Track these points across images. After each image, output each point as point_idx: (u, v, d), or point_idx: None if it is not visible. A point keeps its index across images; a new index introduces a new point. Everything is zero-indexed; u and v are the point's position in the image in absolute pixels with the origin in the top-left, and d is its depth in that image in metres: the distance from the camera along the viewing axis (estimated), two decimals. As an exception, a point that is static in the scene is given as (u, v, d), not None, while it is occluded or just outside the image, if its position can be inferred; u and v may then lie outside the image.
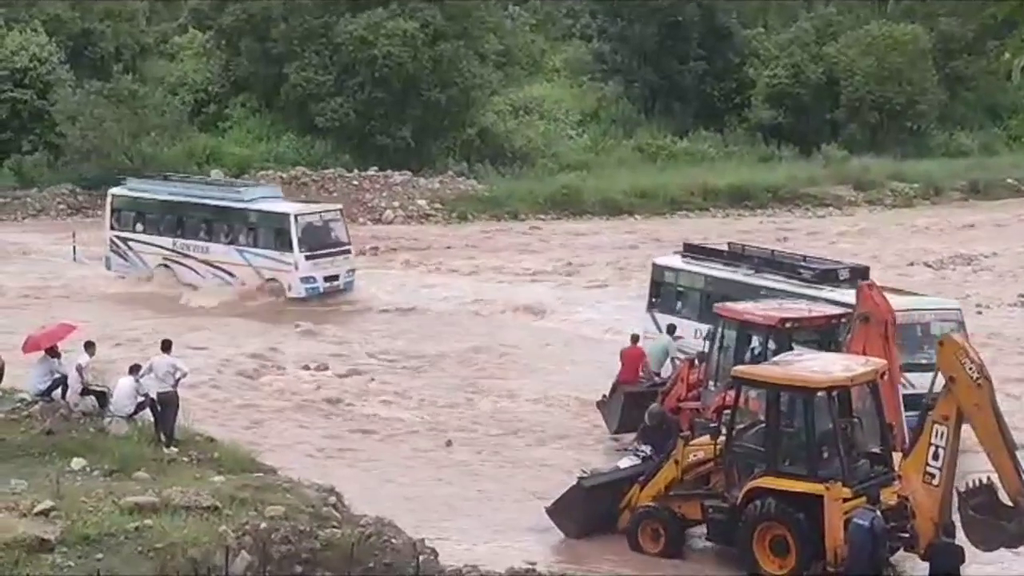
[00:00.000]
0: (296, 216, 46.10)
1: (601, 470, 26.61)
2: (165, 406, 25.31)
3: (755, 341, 28.61)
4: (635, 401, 30.02)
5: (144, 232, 48.38)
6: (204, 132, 73.25)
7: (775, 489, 22.88)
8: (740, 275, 33.19)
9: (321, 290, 45.83)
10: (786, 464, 23.18)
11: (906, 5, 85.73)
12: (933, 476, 22.37)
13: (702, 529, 24.52)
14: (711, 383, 28.84)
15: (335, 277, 46.26)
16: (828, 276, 32.19)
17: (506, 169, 71.82)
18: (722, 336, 29.12)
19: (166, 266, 47.57)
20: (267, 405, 34.56)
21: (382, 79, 70.77)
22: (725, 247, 36.29)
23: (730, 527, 23.53)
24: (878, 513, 21.92)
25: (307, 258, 45.35)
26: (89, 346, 26.35)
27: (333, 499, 22.44)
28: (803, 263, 33.36)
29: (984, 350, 26.88)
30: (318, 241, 46.31)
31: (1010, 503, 22.34)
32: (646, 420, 27.72)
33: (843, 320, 28.14)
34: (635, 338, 32.55)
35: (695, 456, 24.28)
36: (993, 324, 42.15)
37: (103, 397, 25.87)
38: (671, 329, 33.39)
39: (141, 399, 25.58)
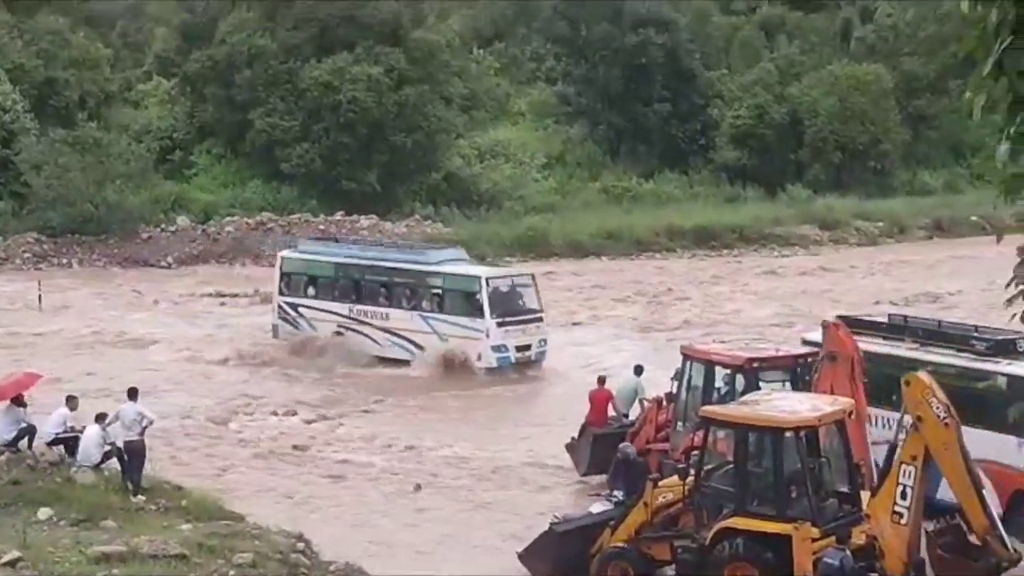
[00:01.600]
0: (487, 279, 42.41)
1: (573, 515, 26.53)
2: (132, 455, 25.20)
3: (722, 381, 28.61)
4: (604, 443, 29.98)
5: (316, 297, 45.11)
6: (169, 179, 73.16)
7: (744, 529, 22.85)
8: (904, 350, 28.90)
9: (513, 360, 41.77)
10: (755, 504, 23.16)
11: (868, 45, 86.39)
12: (901, 515, 22.36)
13: (672, 570, 24.46)
14: (679, 424, 28.83)
15: (527, 347, 41.86)
16: (1005, 348, 28.00)
17: (472, 212, 71.99)
18: (689, 376, 29.12)
19: (340, 333, 44.15)
20: (235, 452, 34.40)
21: (347, 124, 70.93)
22: (884, 319, 31.45)
23: (699, 568, 23.45)
24: (847, 553, 21.92)
25: (499, 325, 41.37)
26: (71, 400, 26.22)
27: (302, 545, 22.35)
28: (975, 334, 29.08)
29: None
30: (510, 307, 42.28)
31: (978, 542, 22.38)
32: (618, 456, 27.73)
33: (810, 359, 28.18)
34: (602, 380, 32.52)
35: (664, 497, 24.23)
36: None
37: (75, 441, 25.73)
38: (638, 370, 33.38)
39: (108, 448, 25.48)
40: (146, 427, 25.67)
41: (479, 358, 40.80)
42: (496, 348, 41.06)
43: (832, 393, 25.67)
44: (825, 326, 27.92)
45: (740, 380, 28.02)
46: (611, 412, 31.60)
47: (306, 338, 44.63)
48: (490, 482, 32.06)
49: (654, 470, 26.85)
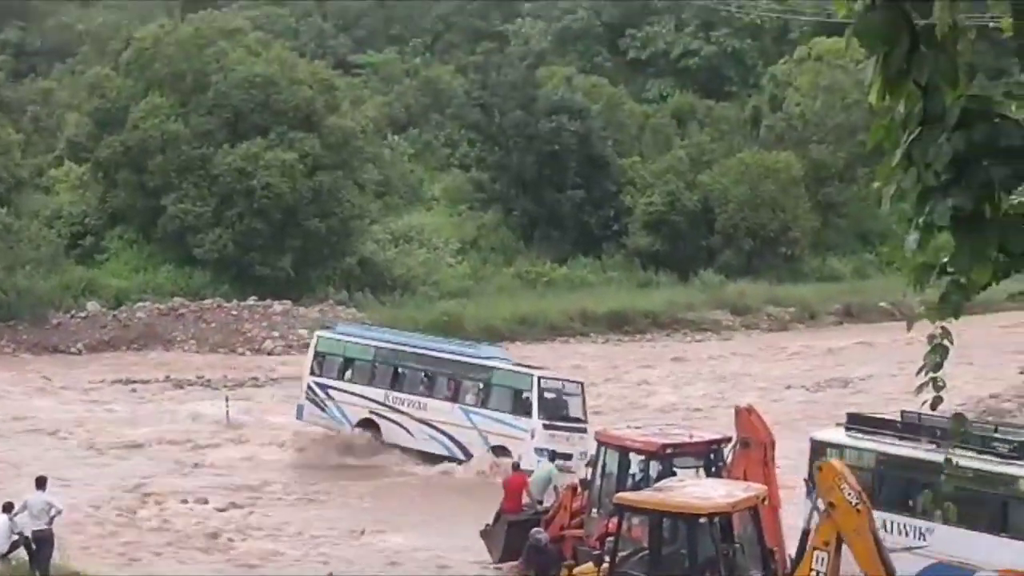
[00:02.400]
0: (539, 379, 40.58)
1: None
2: (40, 544, 24.83)
3: (637, 467, 28.65)
4: (518, 529, 29.89)
5: (350, 381, 43.41)
6: (80, 264, 72.46)
7: (660, 615, 22.85)
8: (921, 451, 27.22)
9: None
10: (670, 591, 23.17)
11: (777, 133, 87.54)
12: (815, 600, 22.44)
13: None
14: (594, 510, 28.81)
15: (568, 456, 38.23)
16: None
17: (387, 297, 71.90)
18: (604, 463, 29.15)
19: (371, 421, 42.45)
20: (145, 540, 33.97)
21: (261, 209, 70.77)
22: (897, 416, 29.80)
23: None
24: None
25: (545, 427, 39.28)
26: (7, 508, 25.82)
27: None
28: (996, 434, 27.70)
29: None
30: (557, 412, 40.20)
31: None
32: (529, 543, 27.67)
33: (723, 445, 28.31)
34: (516, 466, 32.49)
35: (579, 584, 24.20)
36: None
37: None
38: (552, 456, 33.36)
39: (15, 537, 25.08)
40: (54, 516, 25.33)
41: (519, 459, 36.86)
42: (539, 451, 37.45)
43: (746, 479, 25.80)
44: (738, 412, 28.08)
45: (654, 466, 28.08)
46: (525, 499, 31.54)
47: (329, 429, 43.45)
48: (405, 570, 31.84)
49: (569, 557, 26.81)
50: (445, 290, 74.45)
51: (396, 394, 42.38)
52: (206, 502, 37.24)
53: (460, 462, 40.46)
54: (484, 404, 40.94)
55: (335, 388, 43.52)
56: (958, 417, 8.97)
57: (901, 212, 9.17)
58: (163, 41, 76.52)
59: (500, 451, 39.64)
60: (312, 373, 44.32)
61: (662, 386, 55.65)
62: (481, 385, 41.54)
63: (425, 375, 42.52)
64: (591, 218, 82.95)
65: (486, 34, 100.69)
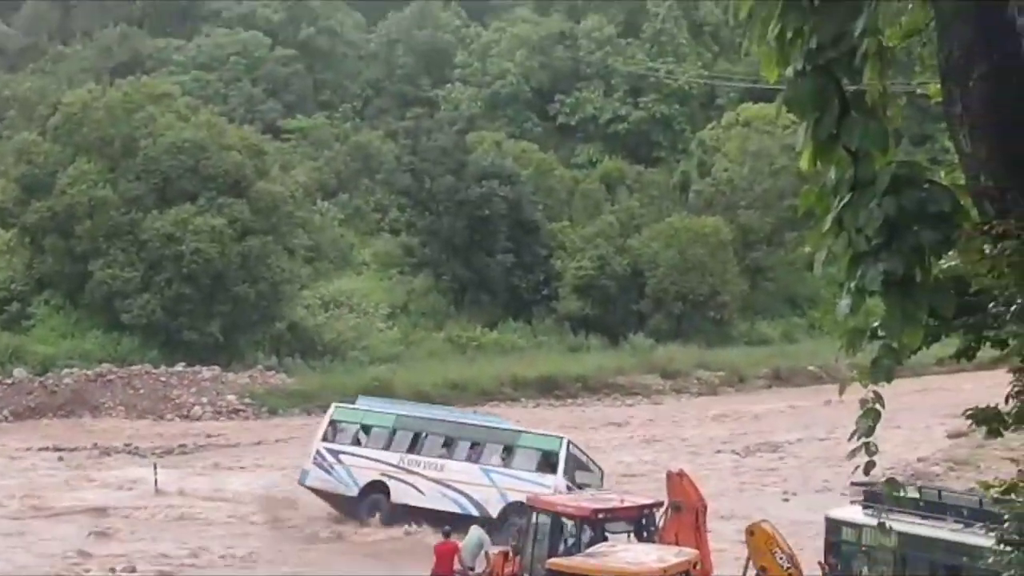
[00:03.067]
0: (568, 442, 41.34)
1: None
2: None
3: (569, 532, 28.56)
4: (450, 596, 29.70)
5: (365, 446, 42.95)
6: (7, 330, 71.72)
7: None
8: (946, 531, 25.31)
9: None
10: (603, 656, 23.08)
11: (706, 198, 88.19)
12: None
13: None
14: (526, 575, 28.69)
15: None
16: None
17: (317, 363, 71.65)
18: (535, 528, 29.04)
19: (380, 482, 41.82)
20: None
21: (190, 275, 70.45)
22: (916, 493, 27.16)
23: None
24: None
25: (567, 488, 38.98)
26: None
27: None
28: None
29: (791, 538, 27.19)
30: (577, 477, 40.56)
31: None
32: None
33: (655, 510, 28.29)
34: (447, 533, 32.32)
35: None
36: (800, 511, 42.65)
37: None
38: (481, 524, 33.21)
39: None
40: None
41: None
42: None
43: (677, 543, 25.78)
44: (669, 476, 28.10)
45: (586, 531, 28.02)
46: (456, 565, 31.37)
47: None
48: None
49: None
50: (375, 355, 74.26)
51: (412, 456, 42.02)
52: (134, 570, 36.77)
53: (473, 518, 39.97)
54: (507, 464, 40.90)
55: (347, 453, 42.97)
56: (891, 482, 9.00)
57: (832, 277, 9.23)
58: (91, 106, 76.23)
59: (520, 506, 39.15)
60: (324, 439, 43.74)
61: (593, 451, 55.52)
62: (505, 447, 41.63)
63: (446, 440, 42.31)
64: (521, 282, 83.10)
65: (416, 99, 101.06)
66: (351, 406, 45.44)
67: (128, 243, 72.03)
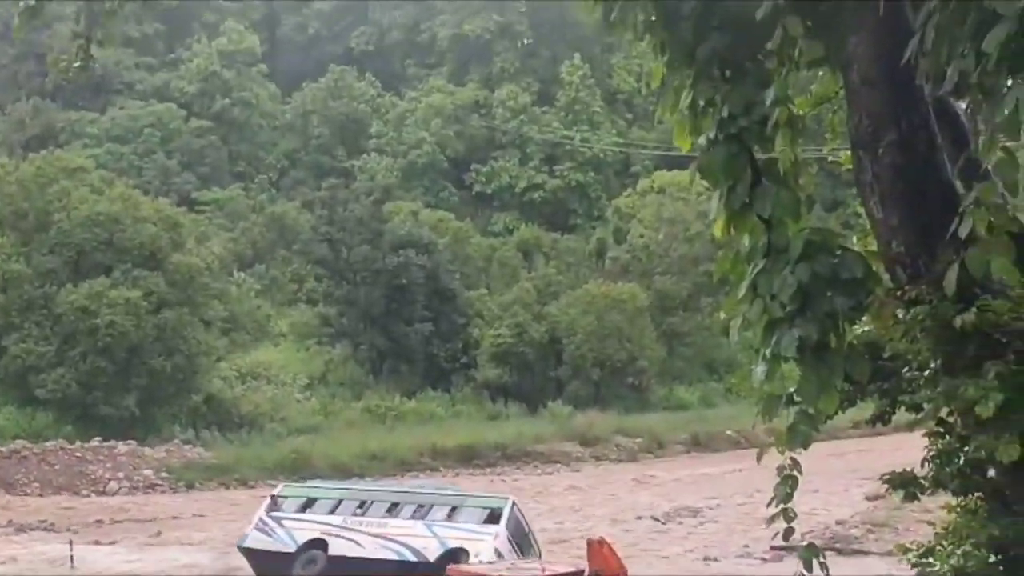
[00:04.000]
0: (514, 502, 40.79)
1: None
2: None
3: (490, 603, 28.42)
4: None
5: (309, 512, 42.20)
6: (-83, 406, 70.82)
7: None
8: None
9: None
10: None
11: (622, 264, 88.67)
12: None
13: None
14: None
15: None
16: None
17: (234, 435, 71.03)
18: (457, 600, 28.88)
19: (320, 540, 40.69)
20: None
21: (105, 348, 69.76)
22: None
23: None
24: None
25: (508, 540, 38.56)
26: None
27: None
28: None
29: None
30: (519, 538, 39.74)
31: None
32: None
33: (576, 578, 28.22)
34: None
35: None
36: (721, 574, 42.71)
37: None
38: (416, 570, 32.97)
39: None
40: None
41: (477, 555, 37.14)
42: (496, 552, 37.36)
43: (599, 611, 25.70)
44: (590, 544, 28.07)
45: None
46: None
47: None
48: None
49: None
50: (294, 427, 73.74)
51: (356, 518, 41.00)
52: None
53: (411, 564, 39.63)
54: (451, 519, 40.09)
55: (290, 519, 42.88)
56: (810, 547, 9.02)
57: (748, 342, 9.28)
58: (4, 180, 75.60)
59: (459, 552, 38.86)
60: (268, 511, 43.52)
61: (514, 519, 55.38)
62: (452, 507, 41.02)
63: (391, 505, 41.36)
64: (439, 351, 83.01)
65: (332, 169, 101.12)
66: (298, 484, 45.58)
67: (42, 317, 71.27)
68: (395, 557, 39.30)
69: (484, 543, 38.30)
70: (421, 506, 41.31)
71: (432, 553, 38.92)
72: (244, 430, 72.00)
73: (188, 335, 72.37)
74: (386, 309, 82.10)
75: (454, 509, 40.96)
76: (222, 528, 54.07)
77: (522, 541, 39.78)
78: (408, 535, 40.03)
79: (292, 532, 41.72)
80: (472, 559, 36.08)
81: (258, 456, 67.35)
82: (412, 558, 38.96)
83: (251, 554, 42.25)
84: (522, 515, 41.36)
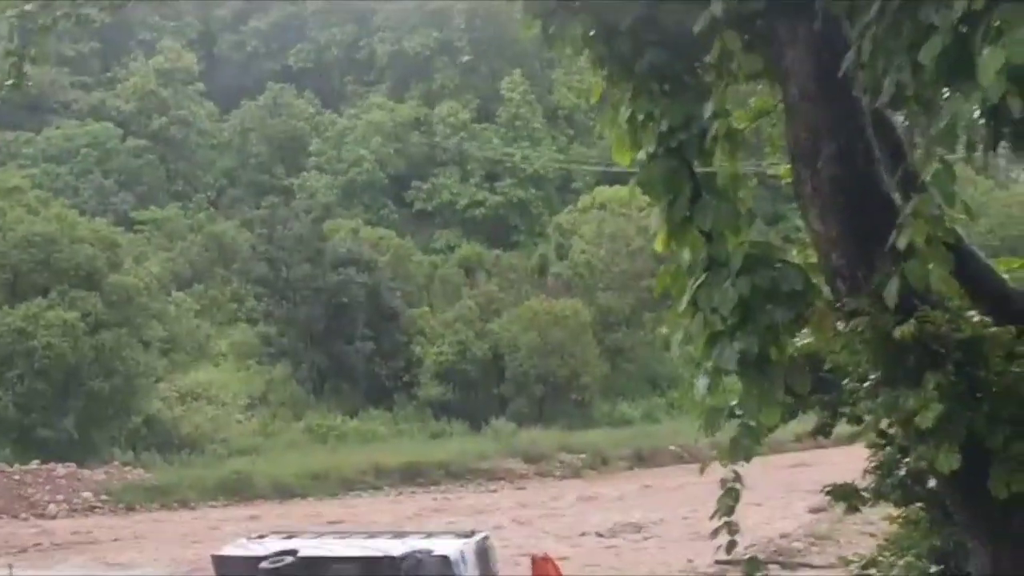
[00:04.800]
0: (488, 535, 42.66)
1: None
2: None
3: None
4: None
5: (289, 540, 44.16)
6: None
7: None
8: None
9: None
10: None
11: (565, 281, 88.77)
12: None
13: None
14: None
15: None
16: None
17: (174, 456, 70.56)
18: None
19: (293, 549, 42.59)
20: None
21: (42, 370, 69.17)
22: None
23: None
24: None
25: (475, 554, 40.57)
26: None
27: None
28: None
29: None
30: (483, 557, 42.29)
31: None
32: None
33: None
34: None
35: None
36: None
37: None
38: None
39: None
40: None
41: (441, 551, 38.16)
42: (461, 555, 38.81)
43: (544, 628, 25.64)
44: (534, 561, 28.02)
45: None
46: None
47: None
48: None
49: None
50: (234, 447, 73.35)
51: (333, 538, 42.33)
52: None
53: (375, 560, 39.90)
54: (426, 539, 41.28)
55: (268, 540, 43.28)
56: (752, 561, 9.02)
57: (690, 356, 9.28)
58: (-61, 200, 75.04)
59: (423, 553, 39.11)
60: (248, 536, 43.92)
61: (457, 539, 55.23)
62: (428, 534, 42.00)
63: (372, 533, 42.56)
64: (382, 369, 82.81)
65: (271, 188, 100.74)
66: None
67: (-22, 339, 70.67)
68: (360, 554, 39.82)
69: (452, 545, 38.91)
70: (401, 533, 41.88)
71: (397, 551, 39.39)
72: (185, 451, 71.56)
73: (127, 356, 71.87)
74: (327, 328, 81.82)
75: (430, 535, 41.47)
76: (164, 550, 53.72)
77: (483, 565, 39.98)
78: (379, 544, 40.74)
79: (266, 544, 42.24)
80: (436, 552, 36.68)
81: (199, 477, 66.94)
82: (377, 554, 39.42)
83: (220, 561, 42.38)
84: (492, 551, 41.72)
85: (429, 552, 38.13)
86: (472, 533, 42.09)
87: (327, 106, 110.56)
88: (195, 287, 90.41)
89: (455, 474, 71.46)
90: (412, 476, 70.47)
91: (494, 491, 68.97)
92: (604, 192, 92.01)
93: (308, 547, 42.05)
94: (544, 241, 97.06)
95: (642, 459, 76.07)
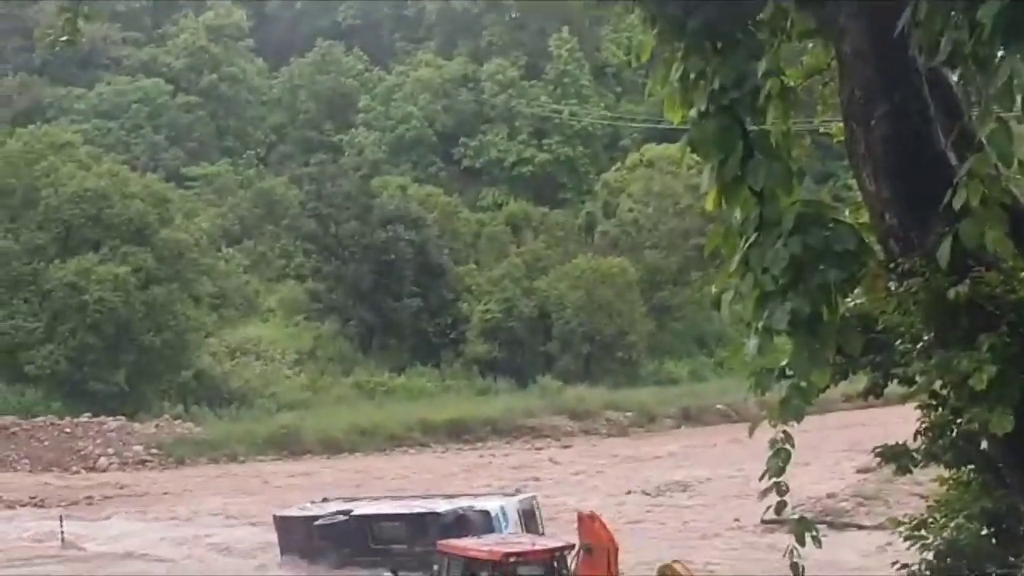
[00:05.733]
0: (535, 496, 43.22)
1: None
2: None
3: (480, 577, 28.42)
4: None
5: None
6: (-92, 383, 70.65)
7: None
8: None
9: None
10: None
11: (612, 239, 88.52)
12: None
13: None
14: (439, 622, 28.50)
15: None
16: None
17: (223, 411, 71.02)
18: (447, 573, 28.90)
19: (348, 509, 42.99)
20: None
21: (94, 324, 69.67)
22: None
23: None
24: None
25: (520, 517, 40.20)
26: None
27: None
28: None
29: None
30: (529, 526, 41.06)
31: None
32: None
33: (567, 552, 28.22)
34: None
35: None
36: (711, 550, 42.81)
37: None
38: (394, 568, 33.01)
39: None
40: None
41: (485, 508, 39.54)
42: (502, 511, 39.55)
43: (590, 585, 25.71)
44: (581, 518, 28.06)
45: (498, 575, 27.89)
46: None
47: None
48: None
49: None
50: (283, 402, 73.73)
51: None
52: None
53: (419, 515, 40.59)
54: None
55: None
56: (802, 522, 8.98)
57: (739, 316, 9.22)
58: (-8, 156, 75.51)
59: (468, 510, 39.99)
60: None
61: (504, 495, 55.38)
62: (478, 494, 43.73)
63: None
64: (428, 326, 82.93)
65: (320, 144, 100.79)
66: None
67: (31, 293, 71.18)
68: (406, 512, 40.70)
69: (494, 503, 40.05)
70: (452, 495, 42.87)
71: (442, 507, 40.27)
72: (234, 406, 72.01)
73: (177, 311, 72.33)
74: (375, 284, 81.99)
75: (479, 495, 42.40)
76: (212, 503, 54.18)
77: (530, 523, 40.40)
78: (426, 503, 42.09)
79: (325, 507, 43.11)
80: (476, 508, 38.41)
81: (248, 432, 67.41)
82: (422, 511, 40.33)
83: (281, 522, 43.26)
84: (539, 510, 42.15)
85: (471, 508, 39.01)
86: (518, 492, 42.90)
87: (375, 63, 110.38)
88: (244, 243, 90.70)
89: (501, 431, 71.62)
90: (458, 433, 70.68)
91: (540, 448, 69.08)
92: (652, 149, 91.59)
93: (361, 508, 42.82)
94: (591, 199, 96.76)
95: (689, 417, 76.02)
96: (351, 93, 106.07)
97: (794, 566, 8.94)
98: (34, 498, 56.41)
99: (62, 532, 46.69)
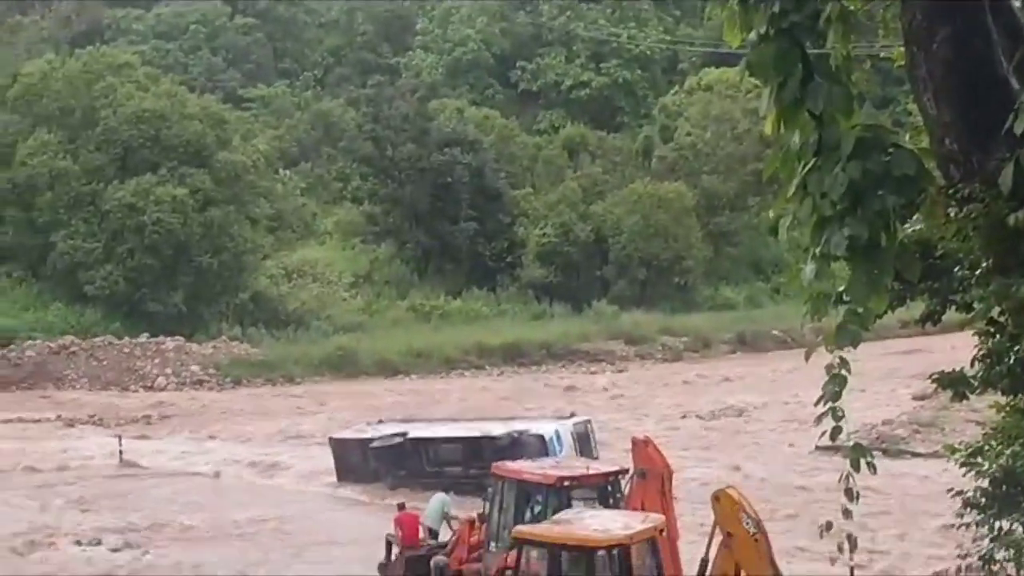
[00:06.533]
0: (589, 420, 43.91)
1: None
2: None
3: (534, 500, 28.48)
4: (417, 563, 29.66)
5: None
6: (-32, 303, 71.37)
7: (559, 648, 22.71)
8: None
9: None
10: (569, 623, 23.03)
11: (669, 163, 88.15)
12: (714, 629, 22.41)
13: None
14: (492, 544, 28.62)
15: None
16: None
17: (280, 332, 71.45)
18: (501, 496, 28.98)
19: (404, 432, 43.48)
20: (37, 584, 33.31)
21: (152, 245, 70.12)
22: None
23: None
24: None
25: (574, 441, 41.12)
26: None
27: None
28: None
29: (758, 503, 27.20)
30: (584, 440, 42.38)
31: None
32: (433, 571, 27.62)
33: (621, 476, 28.23)
34: (402, 506, 32.19)
35: (479, 618, 24.04)
36: (766, 475, 42.80)
37: None
38: (448, 488, 33.28)
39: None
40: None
41: (539, 432, 40.45)
42: (556, 434, 40.50)
43: (643, 510, 25.72)
44: (635, 443, 28.03)
45: (552, 499, 27.95)
46: (422, 533, 31.32)
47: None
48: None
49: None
50: (339, 324, 74.09)
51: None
52: (99, 543, 36.59)
53: (478, 439, 41.32)
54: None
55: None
56: (857, 448, 8.97)
57: (796, 241, 9.16)
58: (51, 77, 75.78)
59: (523, 433, 40.79)
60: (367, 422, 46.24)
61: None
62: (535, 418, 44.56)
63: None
64: (485, 250, 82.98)
65: (377, 67, 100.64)
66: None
67: (89, 214, 71.67)
68: (462, 435, 42.10)
69: (549, 426, 40.89)
70: (508, 419, 43.91)
71: (497, 431, 40.56)
72: (290, 327, 72.44)
73: (234, 232, 72.68)
74: (431, 208, 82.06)
75: (534, 420, 42.82)
76: (269, 424, 54.59)
77: (584, 447, 40.74)
78: (482, 426, 42.78)
79: (380, 428, 43.51)
80: (531, 432, 39.35)
81: (304, 353, 67.82)
82: (477, 434, 40.65)
83: (337, 443, 43.79)
84: (593, 434, 42.50)
85: (526, 432, 39.41)
86: (572, 415, 43.17)
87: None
88: (301, 165, 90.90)
89: (556, 355, 71.79)
90: (514, 356, 70.90)
91: (595, 372, 69.24)
92: (711, 74, 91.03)
93: (417, 430, 43.25)
94: (649, 123, 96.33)
95: (744, 343, 75.95)
96: (408, 15, 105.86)
97: (848, 492, 8.92)
98: (93, 416, 57.02)
99: (121, 450, 47.24)
